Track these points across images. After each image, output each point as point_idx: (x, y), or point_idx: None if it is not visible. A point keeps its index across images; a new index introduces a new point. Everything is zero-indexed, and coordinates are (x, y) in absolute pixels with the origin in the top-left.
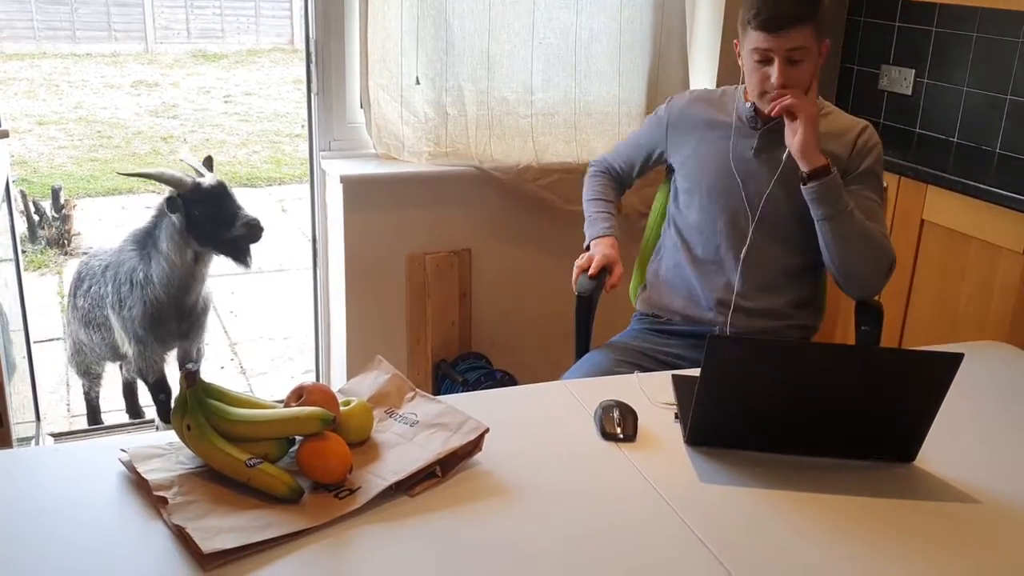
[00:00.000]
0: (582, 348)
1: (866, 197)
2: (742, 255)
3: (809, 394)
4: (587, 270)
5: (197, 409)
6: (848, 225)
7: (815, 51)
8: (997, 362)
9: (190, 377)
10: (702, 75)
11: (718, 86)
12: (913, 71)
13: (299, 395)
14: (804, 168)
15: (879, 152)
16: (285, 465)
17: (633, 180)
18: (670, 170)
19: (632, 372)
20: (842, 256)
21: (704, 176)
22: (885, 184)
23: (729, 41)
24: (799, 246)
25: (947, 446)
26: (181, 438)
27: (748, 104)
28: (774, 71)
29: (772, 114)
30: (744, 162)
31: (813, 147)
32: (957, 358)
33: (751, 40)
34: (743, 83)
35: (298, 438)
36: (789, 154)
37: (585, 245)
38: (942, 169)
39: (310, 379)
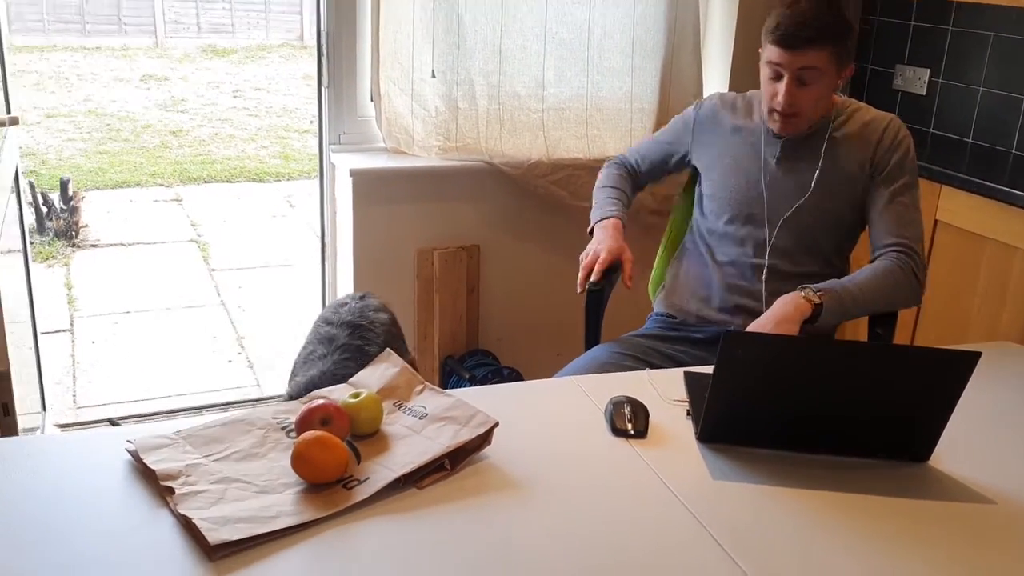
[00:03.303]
0: (591, 344)
1: (898, 202)
2: (765, 262)
3: (823, 392)
4: (591, 272)
5: None
6: (863, 308)
7: (831, 75)
8: (1011, 363)
9: None
10: (715, 72)
11: (731, 83)
12: (928, 71)
13: (324, 420)
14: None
15: (908, 145)
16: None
17: (648, 178)
18: (695, 175)
19: (633, 367)
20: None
21: (728, 183)
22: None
23: (743, 38)
24: (823, 254)
25: (962, 446)
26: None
27: None
28: (781, 90)
29: None
30: (768, 171)
31: (798, 325)
32: (974, 357)
33: (767, 52)
34: None
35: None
36: (822, 167)
37: (589, 229)
38: (956, 169)
39: None
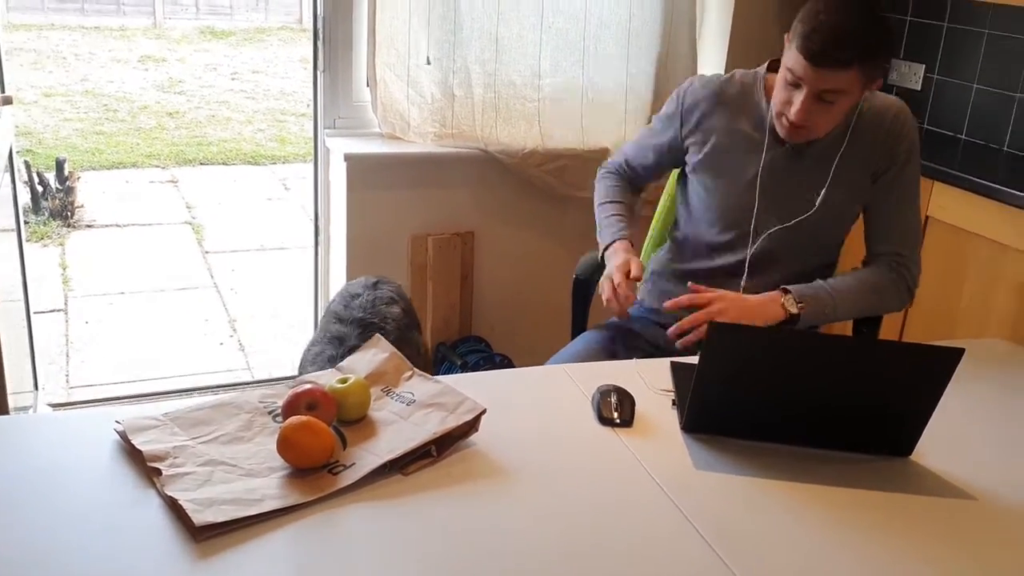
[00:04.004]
0: (578, 331)
1: (902, 207)
2: (746, 264)
3: (808, 385)
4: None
5: None
6: (844, 316)
7: (855, 94)
8: (997, 359)
9: None
10: (711, 65)
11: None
12: (923, 66)
13: (310, 405)
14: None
15: (911, 141)
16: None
17: (645, 180)
18: (683, 173)
19: (625, 351)
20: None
21: (720, 188)
22: None
23: (740, 30)
24: (812, 263)
25: (945, 441)
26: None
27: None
28: (797, 101)
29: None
30: (763, 179)
31: (771, 318)
32: (958, 353)
33: (790, 57)
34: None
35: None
36: (830, 185)
37: (600, 254)
38: (949, 166)
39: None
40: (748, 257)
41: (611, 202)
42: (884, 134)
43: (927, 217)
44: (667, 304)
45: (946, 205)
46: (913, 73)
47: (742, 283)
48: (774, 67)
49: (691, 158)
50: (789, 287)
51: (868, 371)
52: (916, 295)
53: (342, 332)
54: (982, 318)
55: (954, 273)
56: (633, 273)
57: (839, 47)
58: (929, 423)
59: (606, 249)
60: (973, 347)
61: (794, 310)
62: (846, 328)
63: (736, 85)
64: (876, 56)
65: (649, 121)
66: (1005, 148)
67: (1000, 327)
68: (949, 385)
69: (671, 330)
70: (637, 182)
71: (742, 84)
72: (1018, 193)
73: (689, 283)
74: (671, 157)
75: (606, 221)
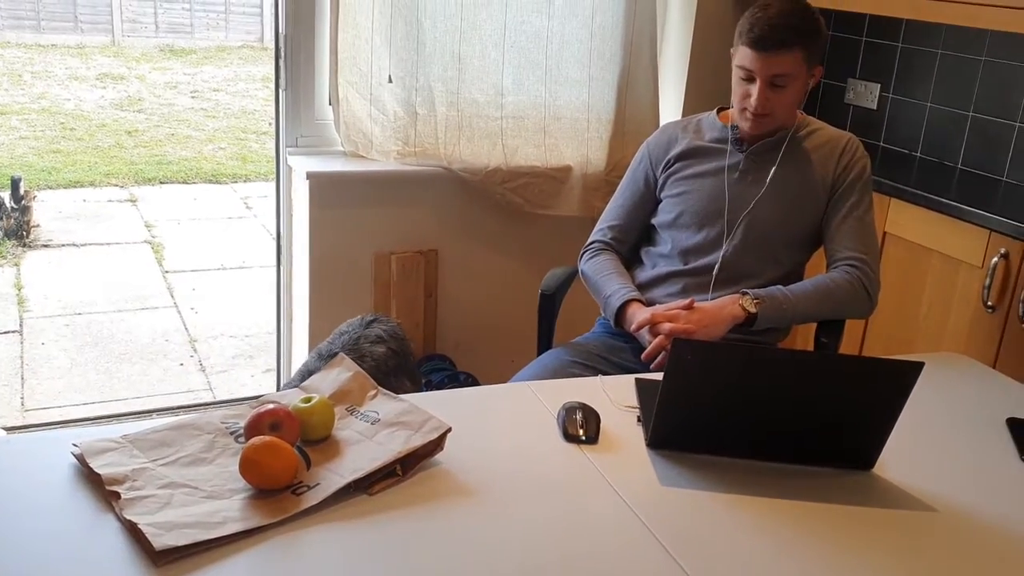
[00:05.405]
0: (544, 347)
1: (854, 217)
2: (714, 272)
3: (770, 400)
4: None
5: None
6: (805, 317)
7: (802, 77)
8: (956, 373)
9: None
10: (671, 83)
11: (687, 95)
12: (879, 85)
13: (273, 425)
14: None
15: (865, 164)
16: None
17: (634, 238)
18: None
19: (585, 373)
20: (818, 318)
21: (692, 203)
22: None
23: (699, 49)
24: (777, 261)
25: (905, 455)
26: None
27: (731, 126)
28: (755, 92)
29: (653, 367)
30: (731, 184)
31: (724, 328)
32: (918, 367)
33: (740, 55)
34: (725, 106)
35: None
36: (775, 173)
37: (613, 316)
38: (905, 183)
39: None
40: (723, 246)
41: (606, 274)
42: (841, 150)
43: (884, 233)
44: (643, 356)
45: (902, 222)
46: (869, 92)
47: (715, 270)
48: (722, 111)
49: (663, 177)
50: (747, 290)
51: (829, 386)
52: (878, 305)
53: (317, 367)
54: (939, 333)
55: (911, 288)
56: (686, 301)
57: (779, 30)
58: (891, 437)
59: (620, 311)
60: (931, 361)
61: (752, 308)
62: (808, 343)
63: (693, 121)
64: (814, 36)
65: (611, 138)
66: (959, 165)
67: (955, 341)
68: (909, 399)
69: (643, 355)
70: (627, 246)
71: (698, 119)
72: (971, 209)
73: (651, 312)
74: (647, 194)
75: (607, 284)
